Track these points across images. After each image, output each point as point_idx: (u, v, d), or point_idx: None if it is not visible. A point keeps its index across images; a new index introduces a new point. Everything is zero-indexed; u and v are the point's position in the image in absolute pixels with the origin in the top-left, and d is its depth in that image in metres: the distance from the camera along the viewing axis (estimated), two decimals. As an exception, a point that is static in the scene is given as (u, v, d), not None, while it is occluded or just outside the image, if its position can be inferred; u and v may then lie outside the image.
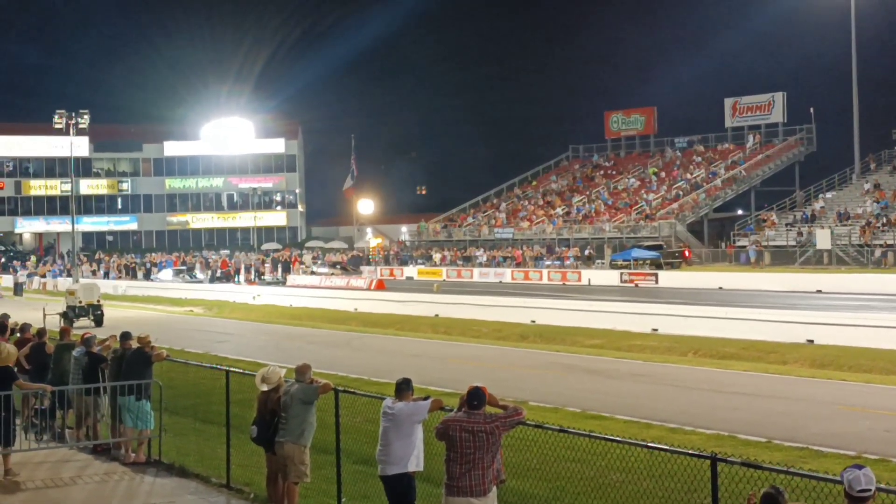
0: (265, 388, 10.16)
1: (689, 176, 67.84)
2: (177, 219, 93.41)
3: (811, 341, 23.84)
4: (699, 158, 70.43)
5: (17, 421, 13.08)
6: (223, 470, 11.73)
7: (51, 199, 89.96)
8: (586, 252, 60.29)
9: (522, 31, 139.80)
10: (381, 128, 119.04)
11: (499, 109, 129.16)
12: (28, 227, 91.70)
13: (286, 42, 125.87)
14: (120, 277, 69.05)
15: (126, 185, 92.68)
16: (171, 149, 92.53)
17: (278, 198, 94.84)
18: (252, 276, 65.59)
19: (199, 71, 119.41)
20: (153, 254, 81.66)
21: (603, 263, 58.39)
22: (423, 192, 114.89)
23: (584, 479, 9.54)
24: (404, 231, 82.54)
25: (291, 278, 63.27)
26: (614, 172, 74.81)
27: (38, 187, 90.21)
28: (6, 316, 18.07)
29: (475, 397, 7.66)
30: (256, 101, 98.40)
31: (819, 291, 41.21)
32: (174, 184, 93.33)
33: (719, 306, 32.60)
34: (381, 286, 54.19)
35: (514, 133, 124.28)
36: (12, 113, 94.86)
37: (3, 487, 11.64)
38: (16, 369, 12.91)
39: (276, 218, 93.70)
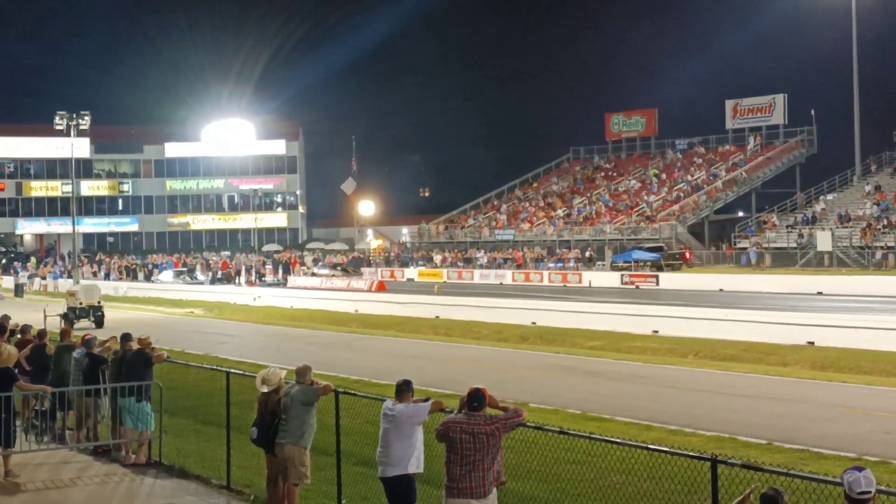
0: (265, 389, 10.15)
1: (689, 178, 67.84)
2: (177, 220, 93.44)
3: (812, 343, 23.80)
4: (700, 160, 70.42)
5: (18, 422, 13.08)
6: (223, 471, 11.73)
7: (52, 200, 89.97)
8: (587, 254, 60.26)
9: (524, 33, 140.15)
10: (381, 129, 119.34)
11: (499, 111, 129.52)
12: (29, 229, 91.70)
13: (287, 43, 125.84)
14: (120, 279, 69.04)
15: (127, 187, 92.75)
16: (172, 150, 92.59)
17: (279, 199, 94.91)
18: (253, 278, 65.60)
19: (200, 72, 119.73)
20: (154, 255, 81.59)
21: (604, 265, 58.39)
22: (427, 195, 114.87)
23: (584, 481, 9.53)
24: (405, 232, 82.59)
25: (292, 280, 63.32)
26: (615, 174, 74.79)
27: (39, 188, 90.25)
28: (7, 317, 18.10)
29: (475, 399, 7.66)
30: (257, 103, 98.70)
31: (820, 293, 41.21)
32: (175, 185, 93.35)
33: (720, 308, 32.55)
34: (381, 287, 54.19)
35: (515, 134, 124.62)
36: (13, 114, 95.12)
37: (4, 489, 11.63)
38: (16, 371, 12.90)
39: (276, 219, 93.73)
